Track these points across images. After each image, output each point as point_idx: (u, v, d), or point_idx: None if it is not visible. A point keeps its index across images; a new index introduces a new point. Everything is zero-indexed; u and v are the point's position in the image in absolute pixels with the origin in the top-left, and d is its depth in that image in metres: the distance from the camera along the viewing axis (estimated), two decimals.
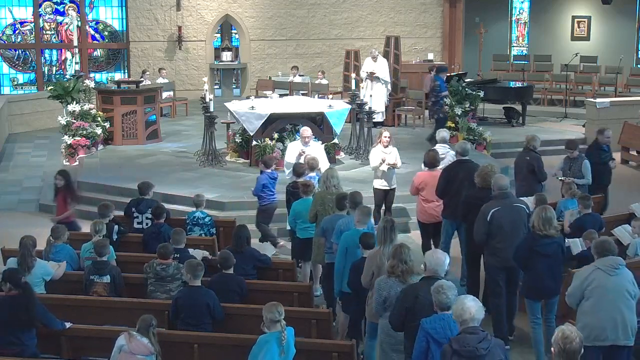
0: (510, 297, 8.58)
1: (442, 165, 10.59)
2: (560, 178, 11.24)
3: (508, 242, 8.18)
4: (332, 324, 7.92)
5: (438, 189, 10.04)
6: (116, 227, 9.56)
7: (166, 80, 20.06)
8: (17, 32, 21.92)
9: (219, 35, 23.79)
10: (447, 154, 11.11)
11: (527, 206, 8.61)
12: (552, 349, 5.15)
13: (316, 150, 11.98)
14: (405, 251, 6.76)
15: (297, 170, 10.69)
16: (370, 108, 15.50)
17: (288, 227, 11.32)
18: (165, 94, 19.56)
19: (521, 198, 9.31)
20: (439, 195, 10.09)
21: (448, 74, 19.30)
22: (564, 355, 5.05)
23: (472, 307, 5.46)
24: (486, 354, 5.35)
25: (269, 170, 11.13)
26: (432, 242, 10.57)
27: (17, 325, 6.97)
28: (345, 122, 15.19)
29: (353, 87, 16.63)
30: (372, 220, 8.65)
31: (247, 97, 17.39)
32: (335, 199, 9.00)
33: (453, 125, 16.40)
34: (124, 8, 22.21)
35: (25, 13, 21.81)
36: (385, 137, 11.54)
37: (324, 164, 11.53)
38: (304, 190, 9.89)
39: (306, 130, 12.03)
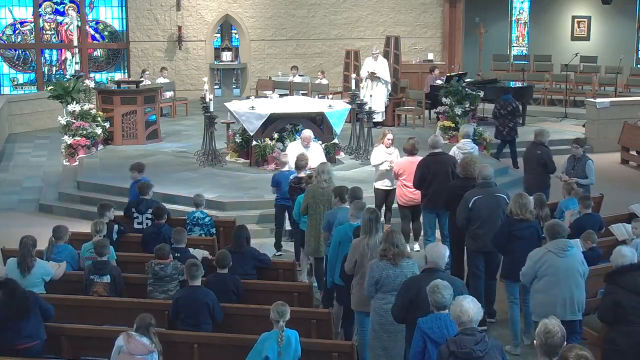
0: (489, 282, 9.00)
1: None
2: (563, 178, 11.25)
3: (487, 228, 8.68)
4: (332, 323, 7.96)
5: (414, 181, 10.55)
6: (116, 226, 9.57)
7: (167, 80, 20.06)
8: (17, 32, 21.92)
9: (219, 35, 23.80)
10: (473, 150, 11.62)
11: (508, 196, 8.93)
12: (535, 341, 5.25)
13: (315, 150, 11.98)
14: (396, 236, 7.06)
15: (298, 165, 10.73)
16: (370, 108, 15.49)
17: (288, 227, 11.36)
18: (165, 94, 19.56)
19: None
20: (415, 186, 10.60)
21: (448, 74, 19.34)
22: (545, 348, 5.12)
23: (471, 308, 5.48)
24: (483, 355, 5.35)
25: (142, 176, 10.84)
26: (411, 226, 11.17)
27: (18, 318, 6.97)
28: (345, 122, 15.19)
29: (353, 87, 16.63)
30: None
31: (247, 97, 17.39)
32: (335, 192, 9.12)
33: (452, 125, 16.40)
34: (124, 8, 22.21)
35: (25, 13, 21.81)
36: (389, 139, 11.59)
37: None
38: (308, 183, 10.03)
39: (307, 132, 12.05)
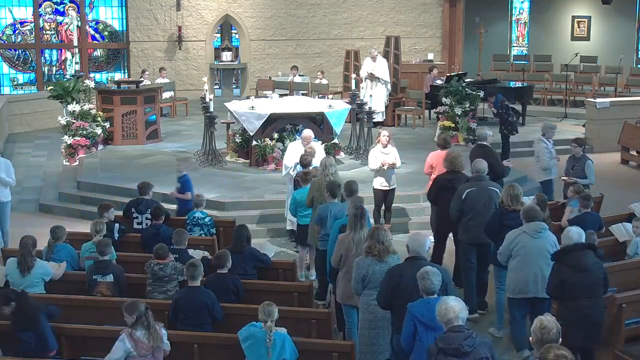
0: (482, 275, 9.32)
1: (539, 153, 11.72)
2: (563, 178, 11.25)
3: (479, 220, 9.00)
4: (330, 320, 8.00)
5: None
6: (117, 225, 9.57)
7: (166, 80, 20.05)
8: (17, 32, 21.92)
9: (219, 35, 23.80)
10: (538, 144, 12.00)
11: (500, 189, 9.25)
12: (531, 337, 5.35)
13: (316, 150, 11.98)
14: (381, 232, 7.21)
15: (303, 161, 10.77)
16: (370, 108, 15.49)
17: (288, 227, 11.36)
18: (165, 94, 19.56)
19: None
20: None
21: (448, 74, 19.34)
22: (541, 344, 5.20)
23: (456, 306, 5.62)
24: (471, 351, 5.48)
25: None
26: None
27: (26, 329, 7.01)
28: (345, 122, 15.19)
29: (353, 87, 16.63)
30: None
31: (247, 97, 17.40)
32: (327, 187, 9.23)
33: (453, 125, 16.40)
34: (124, 8, 22.22)
35: (25, 13, 21.81)
36: (384, 136, 11.57)
37: None
38: (304, 179, 10.16)
39: (307, 132, 12.08)
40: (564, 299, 7.28)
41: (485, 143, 11.07)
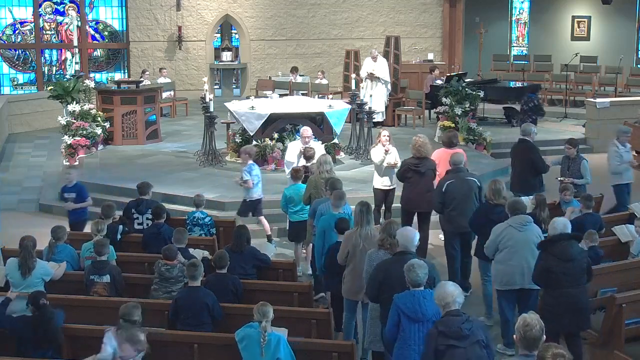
0: (465, 260, 9.78)
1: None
2: (559, 178, 11.24)
3: (460, 209, 9.49)
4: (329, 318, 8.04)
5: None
6: (120, 227, 9.56)
7: (167, 80, 20.05)
8: (17, 32, 21.92)
9: (219, 35, 23.80)
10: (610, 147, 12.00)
11: (478, 179, 9.80)
12: (515, 335, 5.39)
13: (316, 149, 11.99)
14: (394, 227, 7.41)
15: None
16: (370, 108, 15.49)
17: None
18: (165, 94, 19.55)
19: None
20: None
21: (448, 74, 19.33)
22: (524, 342, 5.25)
23: (454, 291, 5.85)
24: (469, 334, 5.69)
25: None
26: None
27: (36, 344, 7.03)
28: (345, 122, 15.20)
29: (353, 87, 16.63)
30: (350, 207, 9.07)
31: (247, 97, 17.40)
32: (327, 183, 9.41)
33: (453, 125, 16.39)
34: (124, 8, 22.21)
35: (25, 13, 21.80)
36: (384, 136, 11.58)
37: None
38: (294, 176, 10.39)
39: (306, 130, 12.10)
40: (549, 287, 7.49)
41: (527, 138, 11.26)
